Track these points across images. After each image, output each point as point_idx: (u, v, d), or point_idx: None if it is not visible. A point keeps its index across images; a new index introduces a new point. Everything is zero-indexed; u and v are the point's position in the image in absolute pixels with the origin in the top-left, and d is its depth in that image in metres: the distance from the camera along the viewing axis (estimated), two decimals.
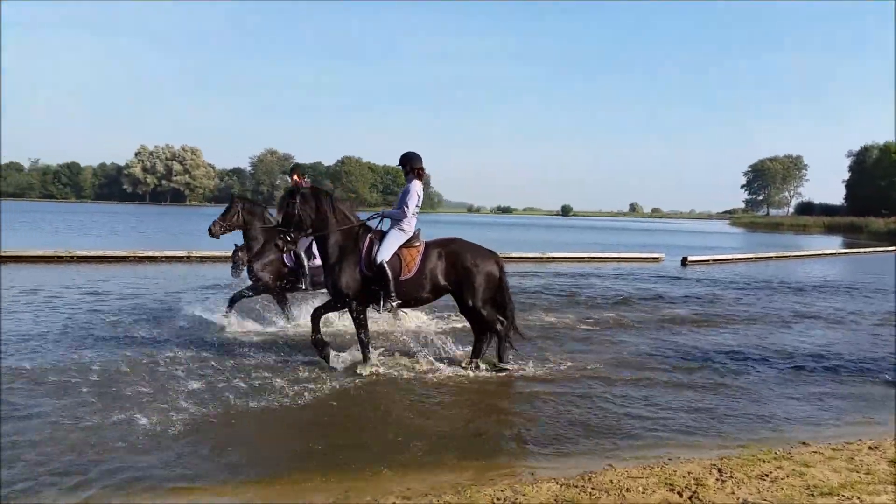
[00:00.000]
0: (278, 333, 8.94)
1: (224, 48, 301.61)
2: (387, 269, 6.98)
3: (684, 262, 23.86)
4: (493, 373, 7.22)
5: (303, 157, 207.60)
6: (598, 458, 5.01)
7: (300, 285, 9.23)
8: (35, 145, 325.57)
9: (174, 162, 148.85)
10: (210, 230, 9.37)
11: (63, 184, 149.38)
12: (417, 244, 7.24)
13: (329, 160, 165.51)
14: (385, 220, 7.40)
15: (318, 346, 7.16)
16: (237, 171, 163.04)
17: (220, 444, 5.01)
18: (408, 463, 4.79)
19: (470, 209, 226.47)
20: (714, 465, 4.77)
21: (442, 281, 7.18)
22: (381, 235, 7.24)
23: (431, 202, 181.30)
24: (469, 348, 7.73)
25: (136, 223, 46.71)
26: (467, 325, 7.90)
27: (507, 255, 22.15)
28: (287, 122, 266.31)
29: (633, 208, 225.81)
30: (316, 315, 7.23)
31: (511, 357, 7.57)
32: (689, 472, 4.60)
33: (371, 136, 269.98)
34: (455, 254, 7.23)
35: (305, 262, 9.08)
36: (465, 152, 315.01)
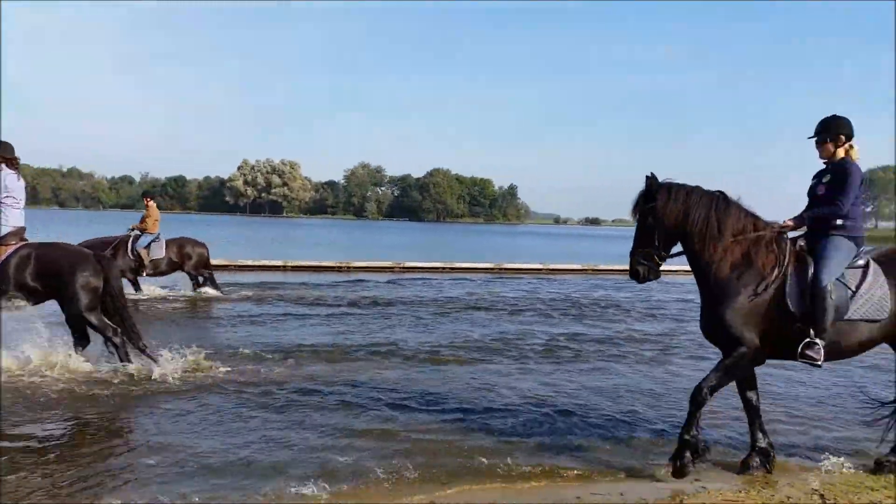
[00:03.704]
0: None
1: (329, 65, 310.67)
2: None
3: None
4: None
5: (393, 170, 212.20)
6: None
7: None
8: (146, 160, 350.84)
9: (274, 175, 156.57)
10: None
11: (170, 196, 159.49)
12: (13, 242, 6.84)
13: (419, 172, 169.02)
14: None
15: None
16: (331, 184, 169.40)
17: None
18: None
19: (557, 220, 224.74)
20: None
21: (31, 283, 6.77)
22: None
23: (518, 213, 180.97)
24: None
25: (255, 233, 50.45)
26: None
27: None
28: (379, 135, 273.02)
29: None
30: None
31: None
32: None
33: (454, 148, 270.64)
34: (46, 256, 6.85)
35: None
36: (554, 161, 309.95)
